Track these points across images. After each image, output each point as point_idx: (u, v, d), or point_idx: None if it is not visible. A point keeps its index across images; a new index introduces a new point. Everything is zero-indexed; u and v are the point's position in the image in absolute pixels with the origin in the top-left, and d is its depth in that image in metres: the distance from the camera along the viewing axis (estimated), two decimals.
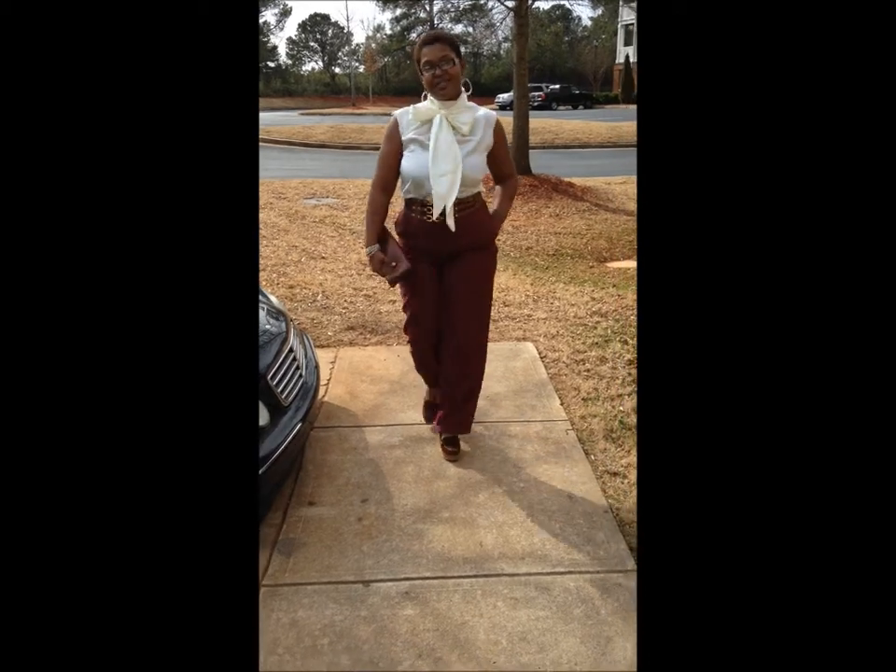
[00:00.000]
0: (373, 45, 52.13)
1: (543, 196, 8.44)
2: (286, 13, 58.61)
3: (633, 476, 2.30)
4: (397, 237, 2.24)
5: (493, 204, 2.31)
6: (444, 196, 2.02)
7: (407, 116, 2.11)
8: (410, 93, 47.67)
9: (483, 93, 42.30)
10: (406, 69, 53.13)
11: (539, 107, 30.89)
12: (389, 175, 2.16)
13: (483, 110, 2.14)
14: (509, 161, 2.30)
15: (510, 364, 3.27)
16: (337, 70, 59.47)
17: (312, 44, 60.80)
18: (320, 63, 61.48)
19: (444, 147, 2.01)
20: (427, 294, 2.23)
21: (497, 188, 2.33)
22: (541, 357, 3.37)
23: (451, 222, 2.06)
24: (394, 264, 2.15)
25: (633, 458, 2.42)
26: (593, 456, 2.44)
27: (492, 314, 4.24)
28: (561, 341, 3.63)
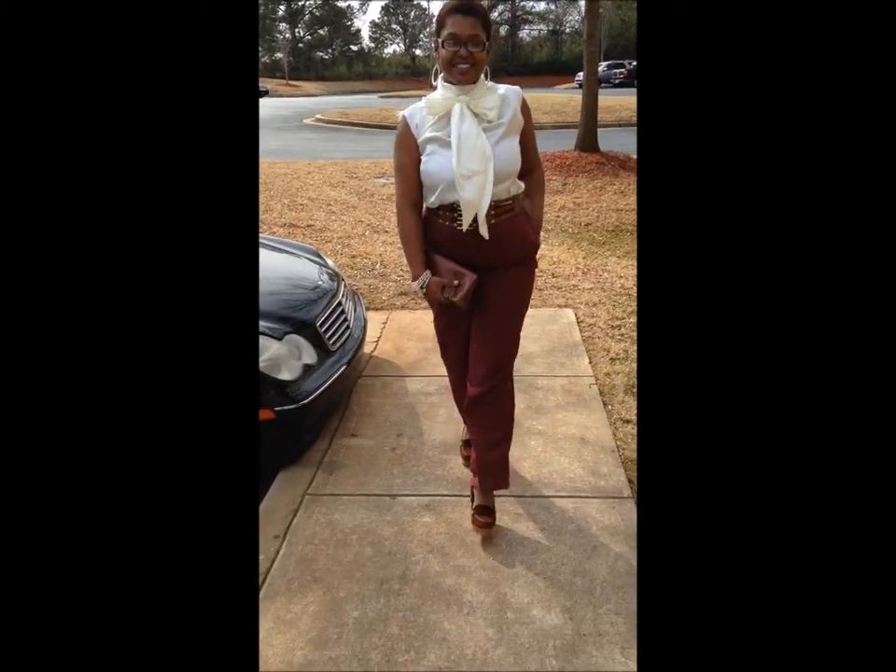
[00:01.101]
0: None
1: (609, 173, 8.46)
2: None
3: None
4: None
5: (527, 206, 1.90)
6: (474, 202, 1.67)
7: (420, 113, 1.75)
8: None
9: (563, 71, 41.57)
10: None
11: (621, 84, 30.13)
12: (413, 189, 1.79)
13: (503, 87, 1.78)
14: (535, 146, 1.88)
15: (547, 327, 3.50)
16: (418, 52, 59.90)
17: (394, 26, 61.49)
18: (402, 46, 62.13)
19: (470, 142, 1.65)
20: (455, 314, 1.88)
21: (524, 183, 1.87)
22: (578, 322, 3.58)
23: (484, 230, 1.72)
24: (456, 282, 1.76)
25: None
26: (610, 407, 2.65)
27: (539, 283, 4.52)
28: (601, 308, 3.81)
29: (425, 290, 1.82)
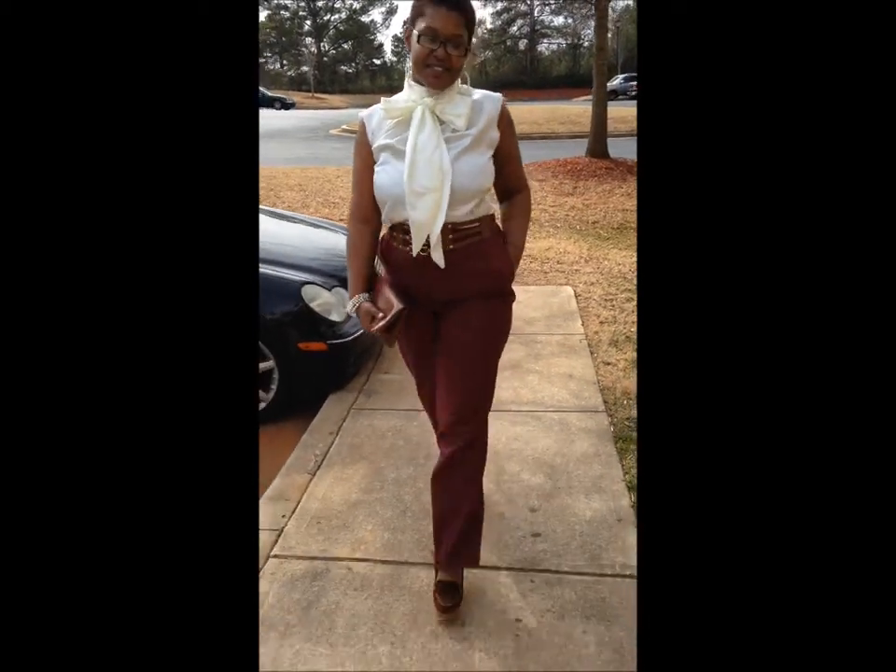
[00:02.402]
0: (474, 39, 52.93)
1: (618, 178, 9.04)
2: (391, 12, 60.83)
3: (621, 364, 3.08)
4: (383, 268, 1.61)
5: (506, 234, 1.62)
6: (426, 223, 1.44)
7: (378, 115, 1.52)
8: (508, 86, 48.57)
9: (582, 84, 42.21)
10: (505, 63, 53.75)
11: (637, 97, 30.62)
12: (363, 202, 1.57)
13: (481, 93, 1.52)
14: (518, 164, 1.61)
15: (548, 299, 4.09)
16: None
17: None
18: None
19: (427, 153, 1.42)
20: (421, 347, 1.65)
21: (504, 206, 1.65)
22: (576, 296, 4.16)
23: (438, 257, 1.48)
24: (381, 314, 1.51)
25: (626, 356, 3.18)
26: (595, 354, 3.23)
27: (544, 268, 5.12)
28: (598, 287, 4.39)
29: (356, 315, 1.61)
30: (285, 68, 63.48)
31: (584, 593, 1.69)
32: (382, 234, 1.63)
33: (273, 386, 2.77)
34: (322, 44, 58.14)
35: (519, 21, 52.38)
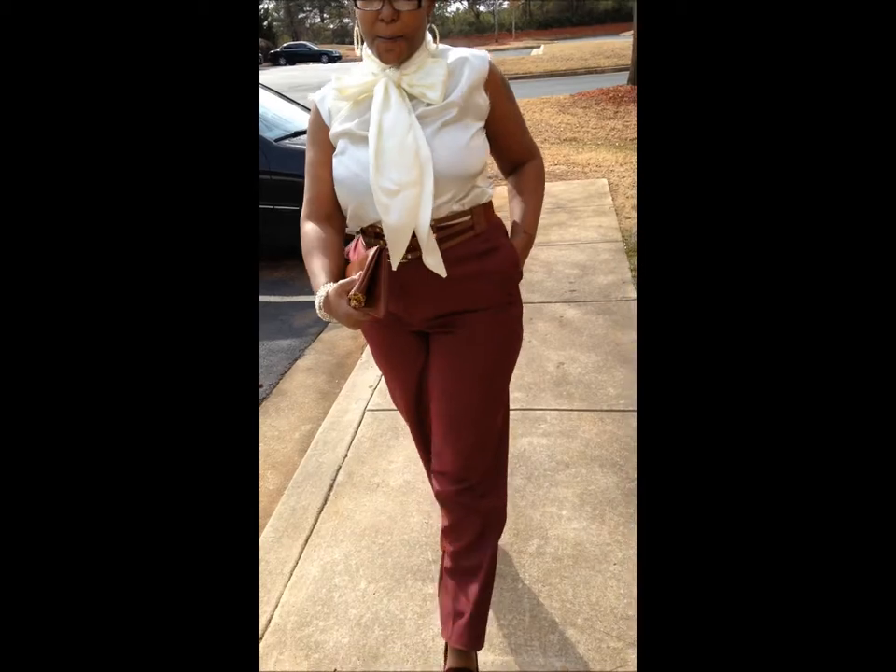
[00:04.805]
0: None
1: None
2: None
3: None
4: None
5: (512, 215, 1.30)
6: (403, 227, 1.11)
7: (331, 95, 1.20)
8: (553, 25, 47.78)
9: (629, 18, 41.27)
10: (550, 0, 52.69)
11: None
12: (322, 198, 1.21)
13: (458, 52, 1.17)
14: (522, 131, 1.27)
15: (587, 187, 5.24)
16: (481, 8, 60.32)
17: None
18: (465, 3, 62.66)
19: (396, 138, 1.10)
20: (409, 380, 1.36)
21: (511, 181, 1.32)
22: (609, 185, 5.29)
23: (434, 263, 1.15)
24: (356, 276, 1.08)
25: None
26: (620, 216, 4.40)
27: (585, 170, 6.22)
28: (628, 178, 5.50)
29: (321, 308, 1.10)
30: (326, 21, 63.72)
31: (599, 308, 2.94)
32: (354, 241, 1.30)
33: None
34: None
35: None
